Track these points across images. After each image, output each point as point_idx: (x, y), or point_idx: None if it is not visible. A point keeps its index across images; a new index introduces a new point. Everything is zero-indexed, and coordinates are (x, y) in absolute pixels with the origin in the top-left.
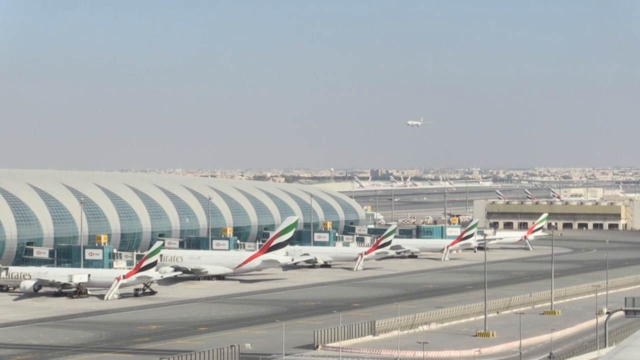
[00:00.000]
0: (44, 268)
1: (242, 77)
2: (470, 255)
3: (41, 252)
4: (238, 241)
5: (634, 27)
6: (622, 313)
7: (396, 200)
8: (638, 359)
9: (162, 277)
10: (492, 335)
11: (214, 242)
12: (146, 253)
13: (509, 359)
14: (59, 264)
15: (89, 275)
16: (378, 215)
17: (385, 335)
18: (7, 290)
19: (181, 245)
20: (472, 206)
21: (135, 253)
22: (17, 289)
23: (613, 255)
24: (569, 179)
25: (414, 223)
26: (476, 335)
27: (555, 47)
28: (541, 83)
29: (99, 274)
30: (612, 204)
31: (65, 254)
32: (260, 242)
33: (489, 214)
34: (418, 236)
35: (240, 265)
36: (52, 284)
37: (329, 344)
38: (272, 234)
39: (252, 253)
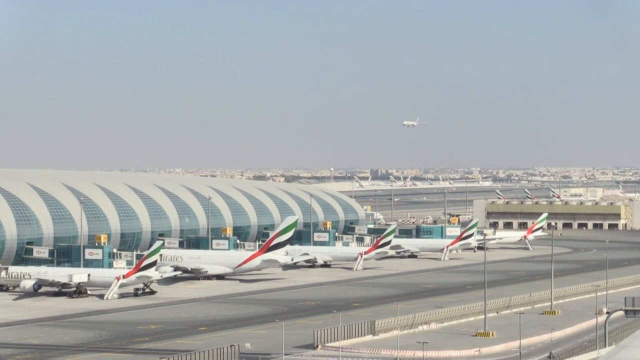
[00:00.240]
0: (44, 268)
1: (242, 77)
2: (470, 255)
3: (41, 252)
4: (238, 241)
5: (634, 27)
6: (621, 313)
7: (396, 200)
8: (638, 359)
9: (161, 276)
10: (492, 335)
11: (214, 241)
12: (146, 253)
13: (508, 359)
14: (58, 264)
15: (89, 275)
16: (378, 215)
17: (385, 335)
18: (7, 290)
19: (181, 245)
20: (471, 206)
21: (135, 253)
22: (17, 289)
23: (613, 255)
24: (569, 179)
25: (413, 223)
26: (476, 335)
27: (555, 47)
28: (541, 83)
29: (99, 274)
30: (612, 203)
31: (65, 254)
32: (260, 242)
33: (489, 214)
34: (418, 236)
35: (240, 265)
36: (52, 284)
37: (329, 344)
38: (271, 234)
39: (251, 253)
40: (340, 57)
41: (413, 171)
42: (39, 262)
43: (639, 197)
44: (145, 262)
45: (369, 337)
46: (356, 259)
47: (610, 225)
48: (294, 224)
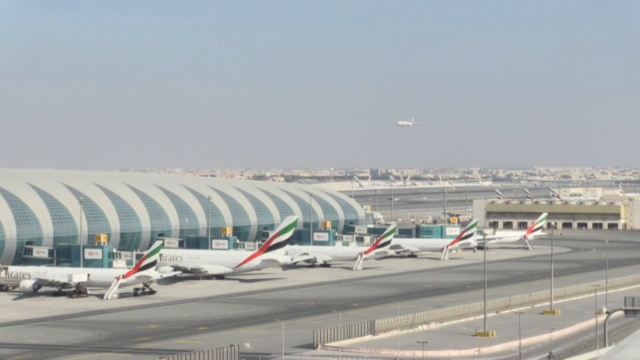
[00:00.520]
0: (44, 267)
1: (242, 76)
2: (470, 254)
3: (41, 252)
4: (237, 241)
5: (634, 27)
6: (621, 312)
7: (396, 199)
8: (637, 359)
9: (161, 276)
10: (492, 334)
11: (214, 241)
12: (146, 252)
13: (508, 359)
14: (58, 264)
15: (89, 275)
16: (377, 215)
17: (385, 334)
18: (6, 290)
19: (181, 245)
20: (471, 206)
21: (134, 252)
22: (17, 289)
23: (612, 255)
24: (569, 179)
25: (413, 222)
26: (476, 335)
27: (555, 46)
28: (541, 83)
29: (99, 274)
30: (611, 203)
31: (65, 254)
32: (260, 242)
33: (489, 214)
34: (417, 236)
35: (239, 265)
36: (51, 284)
37: (329, 344)
38: (271, 234)
39: (251, 253)
40: (340, 57)
41: (413, 171)
42: (38, 262)
43: (639, 196)
44: (145, 262)
45: (368, 337)
46: (356, 258)
47: (610, 225)
48: (294, 224)
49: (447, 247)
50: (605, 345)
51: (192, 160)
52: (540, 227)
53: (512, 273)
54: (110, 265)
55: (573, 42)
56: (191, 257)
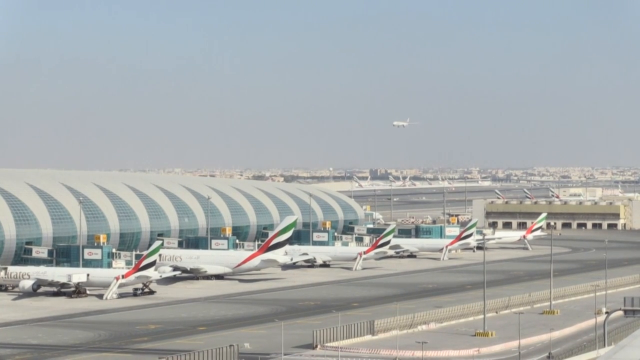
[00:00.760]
0: (43, 268)
1: (242, 77)
2: (469, 254)
3: (40, 252)
4: (237, 241)
5: (634, 27)
6: (621, 313)
7: (395, 199)
8: (637, 359)
9: (161, 276)
10: (491, 335)
11: (213, 241)
12: (145, 253)
13: (508, 359)
14: (57, 264)
15: (88, 275)
16: (377, 215)
17: (384, 335)
18: (6, 290)
19: (180, 245)
20: (471, 206)
21: (134, 253)
22: (16, 289)
23: (612, 255)
24: (568, 179)
25: (413, 223)
26: (475, 335)
27: (555, 47)
28: (541, 83)
29: (98, 274)
30: (611, 203)
31: (64, 254)
32: (259, 242)
33: (488, 214)
34: (417, 236)
35: (239, 265)
36: (51, 284)
37: (328, 344)
38: (271, 234)
39: (251, 253)
40: (340, 57)
41: (412, 171)
42: (38, 262)
43: (638, 197)
44: (144, 262)
45: (368, 337)
46: (355, 258)
47: (610, 225)
48: (293, 224)
49: (446, 247)
50: (604, 346)
51: (191, 161)
52: (540, 227)
53: (512, 273)
54: (109, 266)
55: (573, 43)
56: (190, 257)
